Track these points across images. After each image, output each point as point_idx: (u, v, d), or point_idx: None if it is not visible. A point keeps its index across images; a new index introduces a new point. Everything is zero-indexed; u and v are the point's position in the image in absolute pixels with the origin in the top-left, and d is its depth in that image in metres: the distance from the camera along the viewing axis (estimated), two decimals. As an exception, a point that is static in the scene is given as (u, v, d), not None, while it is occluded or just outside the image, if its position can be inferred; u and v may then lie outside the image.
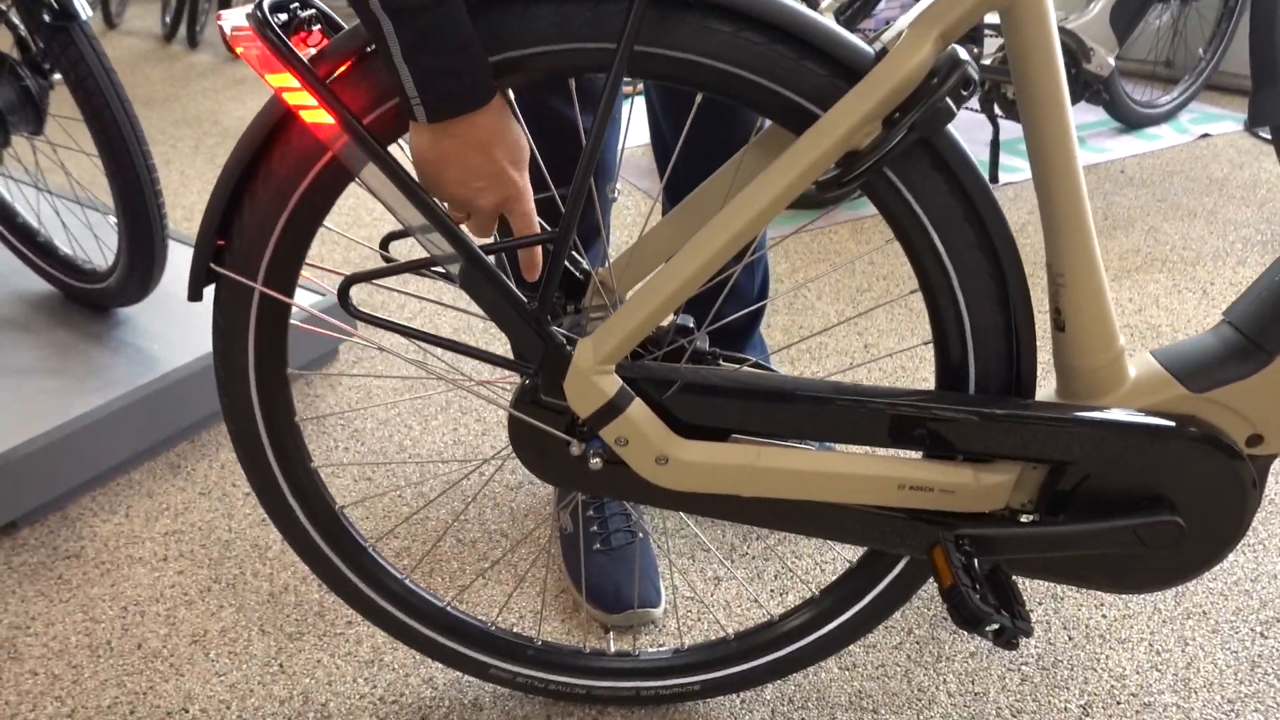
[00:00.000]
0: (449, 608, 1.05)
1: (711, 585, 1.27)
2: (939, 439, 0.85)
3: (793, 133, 0.81)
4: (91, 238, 1.75)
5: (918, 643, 1.18)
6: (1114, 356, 0.87)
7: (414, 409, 1.58)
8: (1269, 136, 2.71)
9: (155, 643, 1.19)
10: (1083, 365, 0.87)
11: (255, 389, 0.93)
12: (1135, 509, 0.87)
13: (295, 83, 0.75)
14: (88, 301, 1.68)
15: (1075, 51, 2.22)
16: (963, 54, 0.75)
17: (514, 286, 0.81)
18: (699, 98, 0.83)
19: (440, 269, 0.83)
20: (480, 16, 0.75)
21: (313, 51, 0.80)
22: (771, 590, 1.26)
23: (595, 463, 0.86)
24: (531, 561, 1.31)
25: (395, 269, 0.83)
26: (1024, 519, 0.91)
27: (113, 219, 1.50)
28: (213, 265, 0.87)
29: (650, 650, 1.08)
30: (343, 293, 0.83)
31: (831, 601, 1.02)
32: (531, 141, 0.82)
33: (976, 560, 0.85)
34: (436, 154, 0.76)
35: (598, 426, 0.84)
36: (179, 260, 1.80)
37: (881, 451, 1.10)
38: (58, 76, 1.38)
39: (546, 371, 0.83)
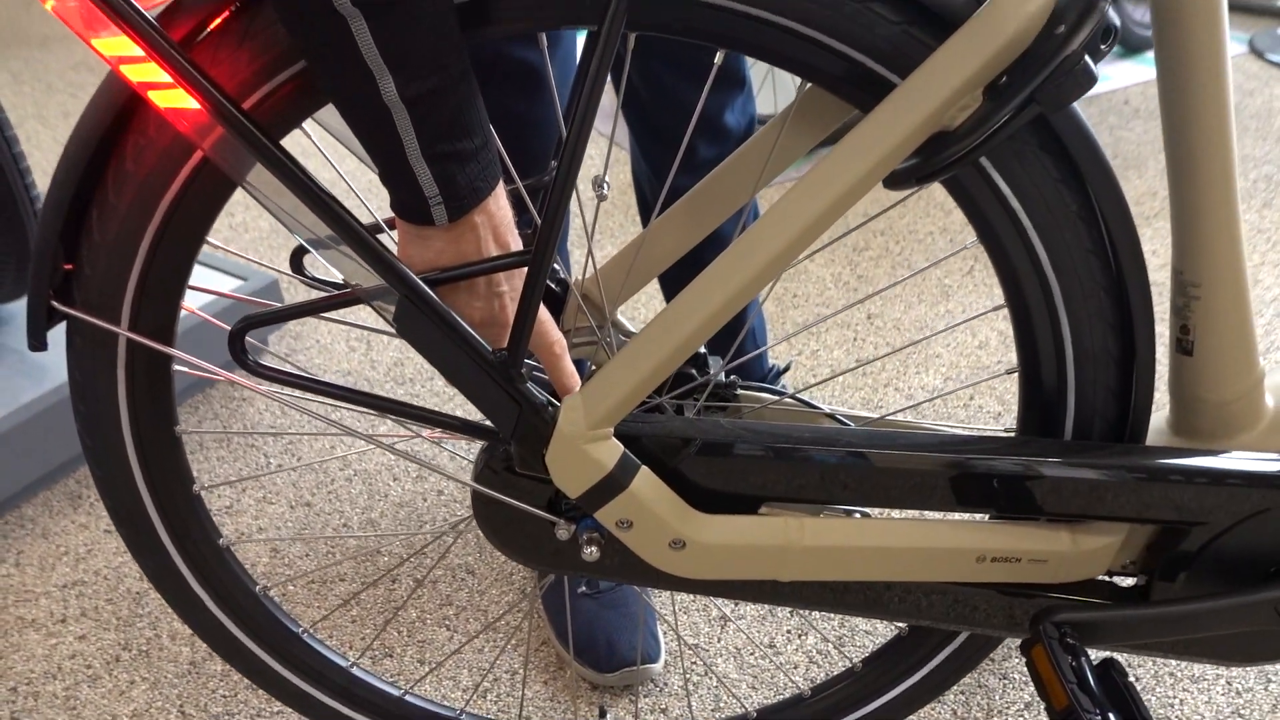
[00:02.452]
0: (406, 696, 0.85)
1: (717, 627, 1.08)
2: (1033, 500, 0.66)
3: (849, 103, 0.59)
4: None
5: (963, 692, 1.00)
6: (1251, 386, 0.68)
7: (354, 462, 1.36)
8: (1278, 59, 2.53)
9: (50, 735, 0.98)
10: (1212, 397, 0.68)
11: (136, 458, 0.70)
12: (1276, 578, 0.68)
13: (138, 50, 0.51)
14: (-39, 297, 1.42)
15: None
16: (1094, -10, 0.53)
17: (464, 324, 0.58)
18: (719, 58, 0.60)
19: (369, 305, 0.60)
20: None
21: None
22: (788, 632, 1.07)
23: (591, 552, 0.65)
24: (514, 623, 1.11)
25: (304, 308, 0.60)
26: (1127, 583, 0.73)
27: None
28: (56, 304, 0.63)
29: (656, 731, 0.89)
30: (235, 341, 0.60)
31: (875, 675, 0.84)
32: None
33: (1085, 658, 0.66)
34: (454, 256, 0.57)
35: (593, 507, 0.63)
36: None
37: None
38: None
39: (521, 440, 0.62)
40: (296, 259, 0.72)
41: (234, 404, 1.42)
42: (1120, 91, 2.43)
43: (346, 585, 1.14)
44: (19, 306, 1.41)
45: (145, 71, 0.52)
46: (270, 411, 1.41)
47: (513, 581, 1.14)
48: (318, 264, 0.65)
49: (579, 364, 0.89)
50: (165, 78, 0.52)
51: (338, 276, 0.62)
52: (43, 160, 2.20)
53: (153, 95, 0.53)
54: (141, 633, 1.09)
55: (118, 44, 0.51)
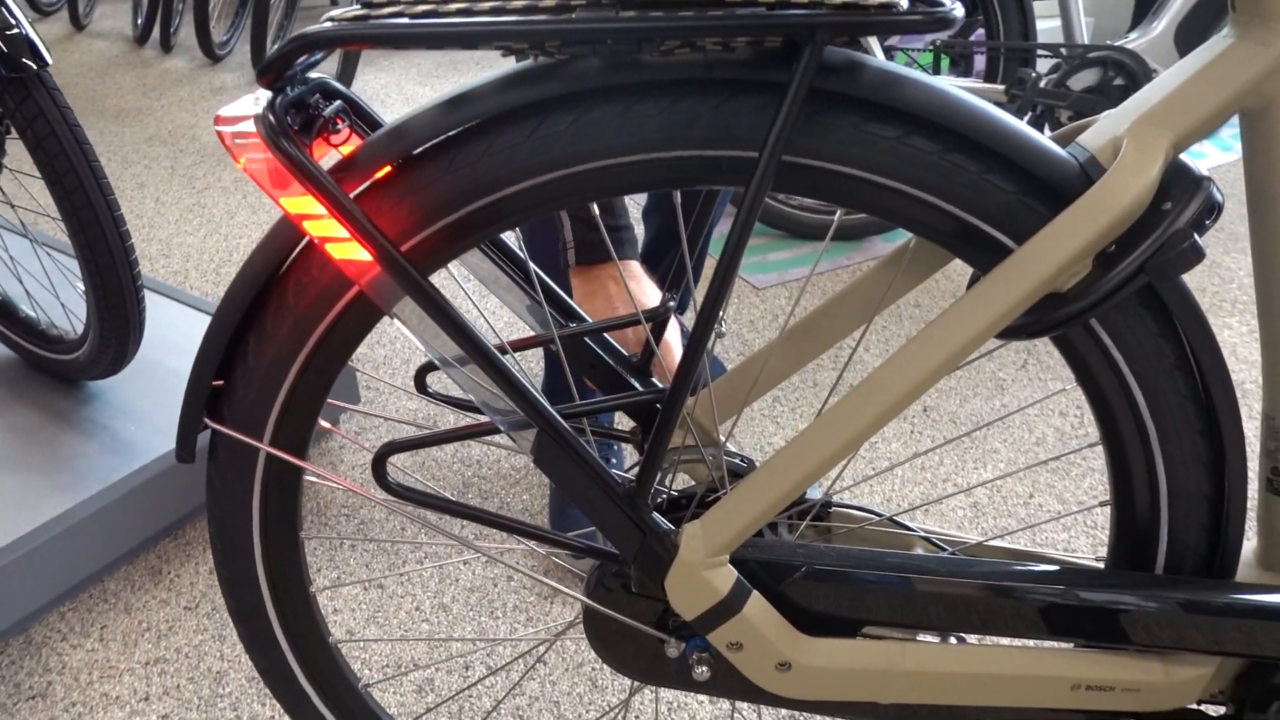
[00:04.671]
0: (496, 794, 0.87)
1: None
2: (1126, 632, 0.68)
3: (962, 259, 0.63)
4: (56, 302, 1.55)
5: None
6: (1341, 525, 0.70)
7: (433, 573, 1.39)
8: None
9: (138, 816, 1.01)
10: (1302, 536, 0.70)
11: (261, 560, 0.74)
12: (1368, 714, 0.70)
13: (320, 208, 0.57)
14: (55, 372, 1.48)
15: (1136, 74, 2.05)
16: (1198, 168, 0.57)
17: (599, 460, 0.62)
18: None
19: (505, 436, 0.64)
20: (571, 121, 0.57)
21: (338, 155, 0.62)
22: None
23: (701, 671, 0.68)
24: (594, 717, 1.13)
25: (446, 436, 0.64)
26: (1215, 711, 0.74)
27: (81, 285, 1.30)
28: (208, 419, 0.68)
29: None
30: (378, 466, 0.64)
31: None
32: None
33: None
34: (582, 290, 0.90)
35: (706, 629, 0.66)
36: (161, 317, 1.61)
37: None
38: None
39: (643, 565, 0.65)
40: (420, 377, 0.77)
41: (316, 497, 1.47)
42: (1164, 184, 2.47)
43: (421, 673, 1.16)
44: (111, 384, 1.47)
45: (324, 227, 0.57)
46: (363, 506, 1.45)
47: (582, 672, 1.16)
48: (442, 382, 0.70)
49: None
50: (343, 233, 0.57)
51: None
52: (119, 231, 2.30)
53: (330, 247, 0.58)
54: (223, 713, 1.11)
55: (302, 203, 0.56)
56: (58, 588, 1.22)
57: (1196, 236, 0.55)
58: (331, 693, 0.81)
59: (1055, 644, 0.93)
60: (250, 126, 0.55)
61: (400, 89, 3.30)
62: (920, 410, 1.62)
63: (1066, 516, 1.39)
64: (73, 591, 1.27)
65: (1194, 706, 0.74)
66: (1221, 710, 0.74)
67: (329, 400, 0.76)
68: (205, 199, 2.45)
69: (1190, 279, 2.02)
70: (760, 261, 2.06)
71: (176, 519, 1.35)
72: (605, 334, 0.76)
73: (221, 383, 0.69)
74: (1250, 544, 0.75)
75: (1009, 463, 1.49)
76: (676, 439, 0.78)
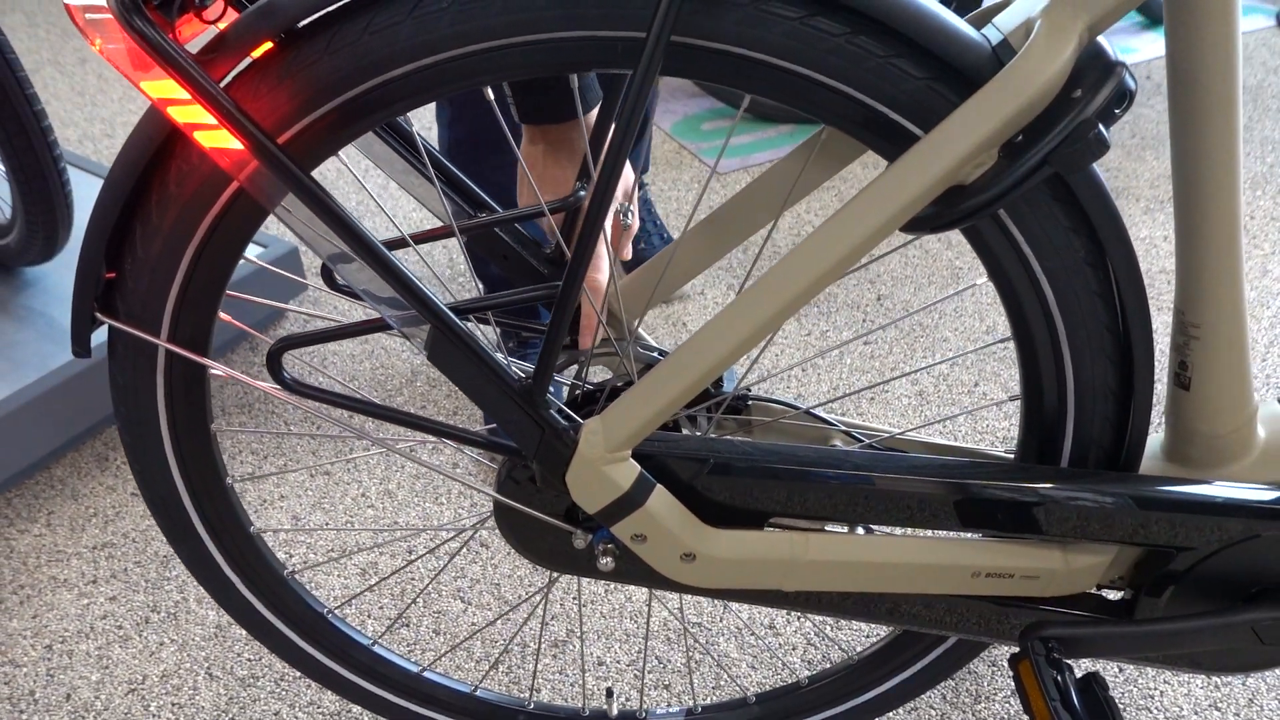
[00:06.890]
0: (425, 673, 0.90)
1: (719, 607, 1.13)
2: (1030, 523, 0.69)
3: (870, 149, 0.61)
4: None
5: (953, 678, 1.05)
6: (1244, 421, 0.70)
7: (380, 460, 1.39)
8: (1306, 36, 2.49)
9: (87, 692, 1.04)
10: (1205, 430, 0.71)
11: (173, 455, 0.74)
12: (1255, 601, 0.72)
13: (185, 93, 0.53)
14: (-12, 258, 1.44)
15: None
16: (1113, 52, 0.54)
17: (493, 355, 0.61)
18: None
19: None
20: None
21: (213, 30, 0.58)
22: (786, 614, 1.12)
23: (606, 561, 0.69)
24: (526, 596, 1.16)
25: (344, 331, 0.63)
26: (1114, 596, 0.77)
27: (2, 168, 1.26)
28: (99, 314, 0.66)
29: (660, 711, 0.94)
30: (273, 361, 0.63)
31: (869, 669, 0.88)
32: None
33: (1070, 674, 0.70)
34: (528, 142, 0.77)
35: (610, 521, 0.67)
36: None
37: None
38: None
39: (543, 460, 0.65)
40: (327, 271, 0.75)
41: (248, 391, 1.46)
42: (1143, 65, 2.40)
43: (365, 556, 1.18)
44: (48, 270, 1.44)
45: (191, 113, 0.54)
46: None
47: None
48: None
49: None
50: (210, 119, 0.54)
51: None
52: (60, 110, 2.21)
53: (198, 135, 0.55)
54: (169, 595, 1.14)
55: (165, 87, 0.53)
56: (1, 472, 1.22)
57: (1102, 127, 0.53)
58: (257, 580, 0.82)
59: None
60: (103, 1, 0.52)
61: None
62: (874, 299, 1.62)
63: (984, 408, 1.40)
64: (17, 478, 1.27)
65: (1092, 591, 0.76)
66: (1118, 595, 0.77)
67: (253, 299, 0.75)
68: (150, 74, 2.35)
69: (1157, 163, 1.99)
70: (722, 145, 2.00)
71: (120, 407, 1.35)
72: (517, 224, 0.74)
73: (115, 275, 0.67)
74: (1156, 436, 0.76)
75: (958, 351, 1.50)
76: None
